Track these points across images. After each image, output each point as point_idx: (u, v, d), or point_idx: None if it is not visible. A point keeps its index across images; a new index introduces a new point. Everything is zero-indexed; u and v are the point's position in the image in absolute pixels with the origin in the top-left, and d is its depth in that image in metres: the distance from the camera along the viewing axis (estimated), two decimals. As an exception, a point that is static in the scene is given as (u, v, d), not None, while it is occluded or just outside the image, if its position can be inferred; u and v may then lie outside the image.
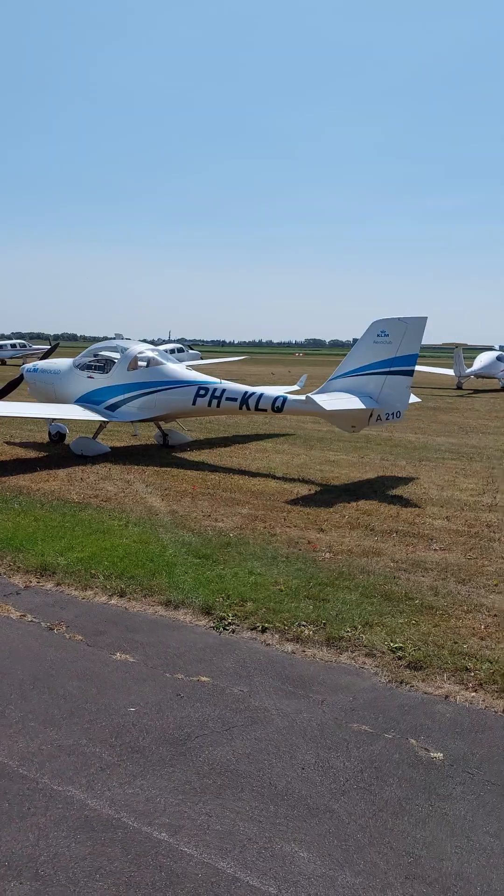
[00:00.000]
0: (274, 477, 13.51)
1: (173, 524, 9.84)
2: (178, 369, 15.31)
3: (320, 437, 19.05)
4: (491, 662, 5.87)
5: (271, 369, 61.76)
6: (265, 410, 14.21)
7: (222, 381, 15.05)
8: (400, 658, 5.99)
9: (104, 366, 15.73)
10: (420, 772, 4.55)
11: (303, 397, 13.42)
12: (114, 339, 18.97)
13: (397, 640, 6.26)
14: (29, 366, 17.67)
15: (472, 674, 5.72)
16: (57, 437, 16.44)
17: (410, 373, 13.20)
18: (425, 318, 13.03)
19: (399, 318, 13.07)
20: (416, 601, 7.18)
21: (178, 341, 54.73)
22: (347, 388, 13.48)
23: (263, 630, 6.57)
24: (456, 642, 6.24)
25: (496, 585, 7.78)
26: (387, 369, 13.17)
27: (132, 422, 15.58)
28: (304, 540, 9.31)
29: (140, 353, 15.69)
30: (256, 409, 14.25)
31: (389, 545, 9.19)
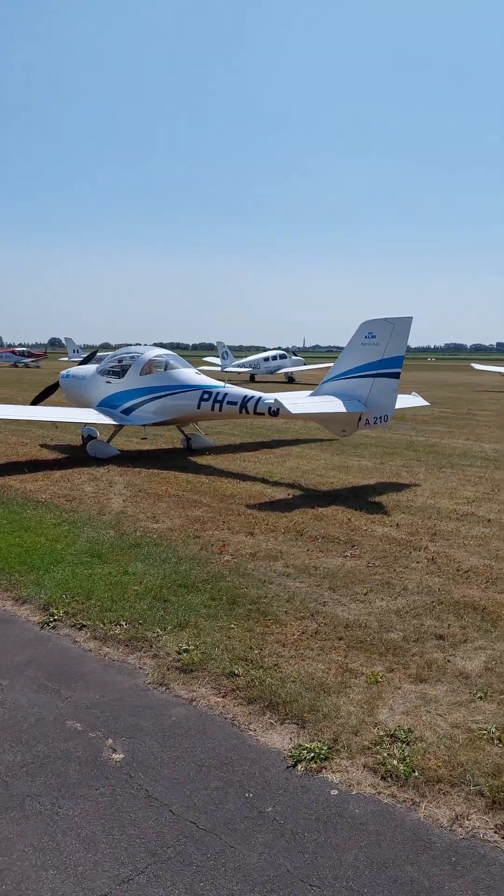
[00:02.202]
0: (265, 482, 13.45)
1: (107, 524, 10.04)
2: (187, 374, 15.51)
3: (357, 443, 18.75)
4: (263, 669, 5.70)
5: None
6: (263, 414, 14.15)
7: (226, 384, 15.12)
8: (178, 661, 5.90)
9: (121, 371, 16.17)
10: (79, 769, 4.53)
11: (271, 398, 13.31)
12: (135, 346, 19.44)
13: (192, 643, 6.18)
14: (64, 372, 18.43)
15: (235, 680, 5.56)
16: (88, 440, 17.02)
17: (397, 375, 12.79)
18: (411, 318, 12.62)
19: (385, 319, 12.72)
20: (255, 606, 7.03)
21: (283, 349, 54.93)
22: (337, 392, 13.26)
23: (80, 628, 6.65)
24: (251, 648, 6.10)
25: (365, 595, 7.47)
26: (374, 371, 12.84)
27: (144, 426, 15.89)
28: (222, 543, 9.26)
29: (154, 357, 16.01)
30: (255, 412, 14.22)
31: (299, 550, 9.00)
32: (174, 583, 7.65)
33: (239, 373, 50.51)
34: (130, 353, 16.82)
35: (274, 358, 50.43)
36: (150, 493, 12.25)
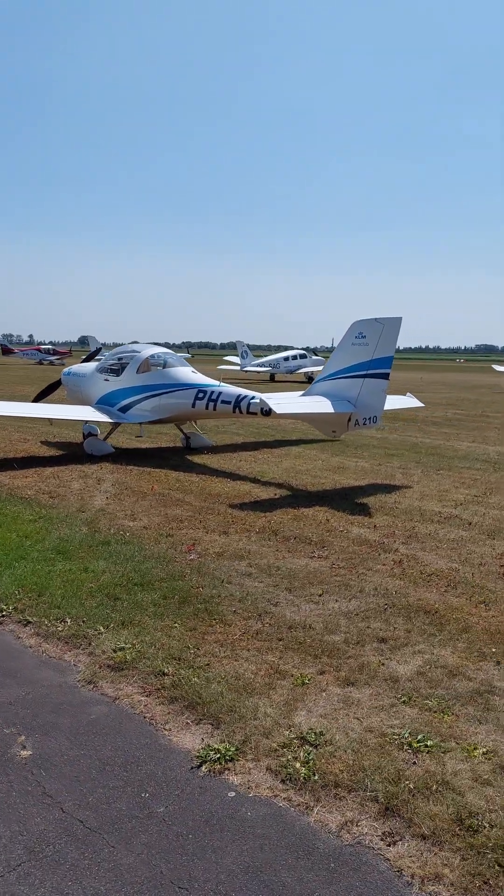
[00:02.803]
0: (256, 481, 13.43)
1: (83, 522, 10.08)
2: (183, 372, 15.52)
3: (359, 444, 18.66)
4: (193, 669, 5.69)
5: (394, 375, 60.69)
6: (256, 413, 14.11)
7: (221, 383, 15.10)
8: (112, 659, 5.90)
9: (119, 369, 16.23)
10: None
11: (257, 398, 13.27)
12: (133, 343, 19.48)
13: (130, 641, 6.18)
14: (66, 370, 18.53)
15: (162, 679, 5.55)
16: (88, 437, 17.08)
17: (386, 376, 12.70)
18: (400, 319, 12.52)
19: (375, 319, 12.63)
20: (204, 606, 7.01)
21: (304, 349, 54.76)
22: (327, 392, 13.19)
23: (26, 624, 6.69)
24: (187, 647, 6.09)
25: (320, 596, 7.42)
26: (364, 372, 12.75)
27: (140, 423, 15.93)
28: (192, 542, 9.25)
29: (151, 356, 16.04)
30: (248, 412, 14.19)
31: (268, 550, 8.97)
32: (130, 581, 7.65)
33: (259, 372, 50.45)
34: (128, 351, 16.86)
35: (294, 357, 50.31)
36: (136, 491, 12.27)
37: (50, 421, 17.40)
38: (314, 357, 50.94)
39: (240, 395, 14.36)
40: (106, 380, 16.34)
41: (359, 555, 8.90)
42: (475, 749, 4.61)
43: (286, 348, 55.68)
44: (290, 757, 4.53)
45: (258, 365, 50.69)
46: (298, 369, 49.49)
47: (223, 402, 14.55)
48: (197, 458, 15.82)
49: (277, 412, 12.54)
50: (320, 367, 50.25)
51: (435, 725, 4.90)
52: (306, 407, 12.90)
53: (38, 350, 79.88)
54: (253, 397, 13.96)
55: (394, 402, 17.10)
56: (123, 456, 15.69)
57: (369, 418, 12.81)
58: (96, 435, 16.94)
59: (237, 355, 52.97)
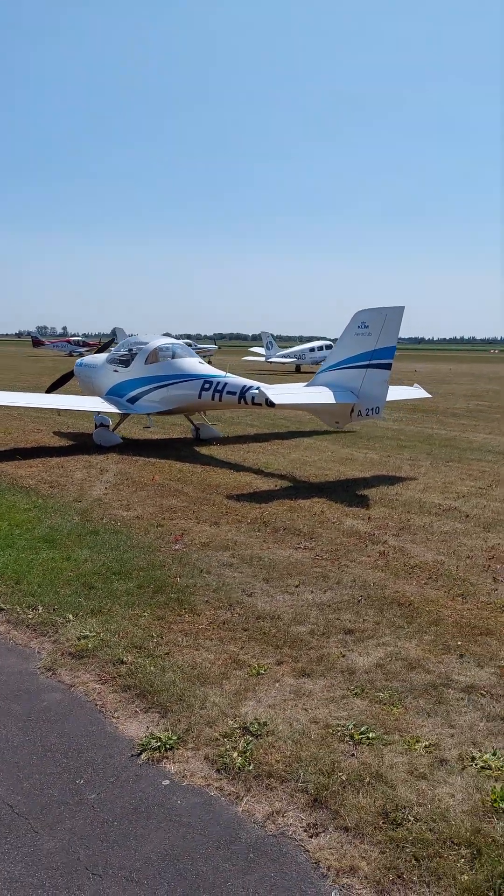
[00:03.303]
0: (259, 472, 13.42)
1: (77, 511, 10.16)
2: (190, 363, 15.53)
3: (372, 436, 18.60)
4: (152, 658, 5.72)
5: (418, 366, 60.51)
6: (260, 405, 14.08)
7: (227, 374, 15.09)
8: (74, 647, 5.94)
9: (128, 360, 16.29)
10: None
11: (256, 388, 13.23)
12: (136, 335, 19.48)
13: (95, 629, 6.22)
14: (78, 360, 18.65)
15: (119, 668, 5.59)
16: (99, 428, 17.15)
17: (389, 366, 12.60)
18: (402, 308, 12.40)
19: (378, 309, 12.52)
20: (178, 595, 7.03)
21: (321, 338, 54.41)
22: (331, 382, 13.13)
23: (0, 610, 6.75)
24: (150, 637, 6.11)
25: (296, 587, 7.41)
26: (367, 362, 12.67)
27: (148, 414, 15.97)
28: (181, 532, 9.28)
29: (159, 346, 16.07)
30: (253, 403, 14.16)
31: (255, 541, 8.96)
32: (110, 570, 7.69)
33: (284, 363, 50.32)
34: (137, 342, 16.89)
35: (320, 348, 50.04)
36: (137, 481, 12.32)
37: (58, 412, 17.52)
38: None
39: (245, 386, 14.33)
40: (115, 371, 16.42)
41: (345, 546, 8.85)
42: (417, 742, 4.56)
43: (318, 339, 55.33)
44: (228, 747, 4.52)
45: (283, 356, 50.54)
46: (324, 359, 49.14)
47: (228, 392, 14.55)
48: (204, 450, 15.83)
49: (276, 402, 12.50)
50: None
51: (382, 718, 4.85)
52: (307, 398, 12.86)
53: (69, 342, 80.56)
54: (256, 388, 13.91)
55: (400, 393, 16.96)
56: (133, 446, 15.76)
57: (372, 409, 12.71)
58: (108, 425, 16.99)
59: (263, 346, 52.84)
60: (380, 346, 12.50)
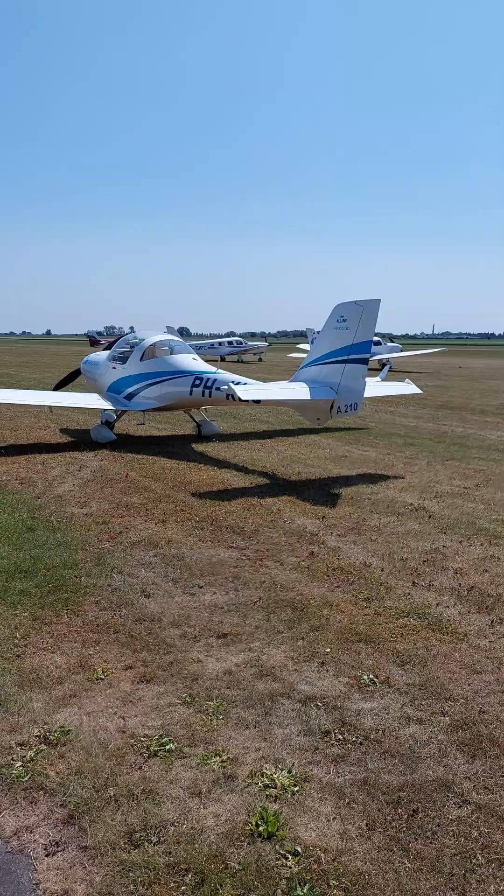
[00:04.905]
0: (244, 469, 13.20)
1: (28, 507, 10.13)
2: (183, 359, 15.35)
3: (387, 433, 18.14)
4: (0, 660, 5.56)
5: (461, 362, 59.14)
6: (248, 401, 13.83)
7: (218, 370, 14.89)
8: None
9: (125, 357, 16.25)
10: None
11: (226, 384, 12.97)
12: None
13: (-29, 628, 6.10)
14: (85, 358, 18.70)
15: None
16: (95, 426, 17.11)
17: (366, 361, 12.22)
18: (378, 301, 11.99)
19: (356, 302, 12.14)
20: (71, 595, 6.89)
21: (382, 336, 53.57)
22: (310, 378, 12.79)
23: None
24: (13, 637, 5.99)
25: (200, 588, 7.20)
26: (345, 357, 12.31)
27: (143, 411, 15.88)
28: (120, 529, 9.16)
29: (155, 342, 15.96)
30: (253, 400, 13.90)
31: (192, 539, 8.79)
32: (18, 568, 7.59)
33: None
34: (135, 338, 16.82)
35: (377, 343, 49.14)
36: (110, 478, 12.24)
37: (50, 409, 17.59)
38: (389, 343, 49.72)
39: (237, 382, 14.08)
40: (114, 367, 16.38)
41: (279, 546, 8.57)
42: (216, 756, 4.30)
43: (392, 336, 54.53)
44: (14, 756, 4.32)
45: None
46: (372, 356, 48.24)
47: (217, 388, 14.33)
48: (201, 446, 15.65)
49: (243, 398, 12.21)
50: (396, 354, 49.25)
51: (195, 729, 4.60)
52: (281, 394, 12.52)
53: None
54: (245, 384, 13.62)
55: (392, 389, 16.47)
56: (128, 443, 15.69)
57: (350, 405, 12.33)
58: (113, 422, 16.96)
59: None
60: (358, 341, 12.13)
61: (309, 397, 12.22)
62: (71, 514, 9.88)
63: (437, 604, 6.82)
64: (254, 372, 37.97)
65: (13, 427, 17.89)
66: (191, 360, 15.34)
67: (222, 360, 58.62)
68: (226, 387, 13.13)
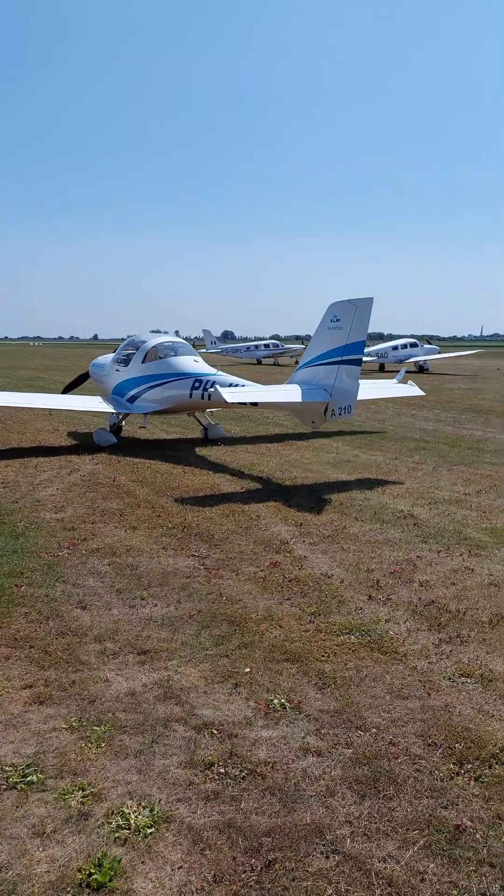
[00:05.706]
0: (238, 474, 12.86)
1: (2, 512, 9.91)
2: (183, 361, 15.04)
3: (404, 436, 17.64)
4: None
5: (501, 365, 57.96)
6: (245, 404, 13.49)
7: (218, 372, 14.56)
8: None
9: (128, 359, 16.02)
10: None
11: (216, 387, 12.61)
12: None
13: None
14: (93, 361, 18.53)
15: None
16: (115, 429, 16.96)
17: (359, 362, 11.76)
18: (371, 300, 11.53)
19: (349, 301, 11.70)
20: (5, 608, 6.59)
21: (412, 336, 52.65)
22: (306, 380, 12.38)
23: None
24: None
25: (142, 599, 6.87)
26: (339, 358, 11.87)
27: (144, 414, 15.62)
28: (87, 536, 8.88)
29: (157, 345, 15.69)
30: (239, 402, 13.58)
31: (156, 547, 8.47)
32: (-35, 575, 7.31)
33: (366, 361, 48.95)
34: (138, 340, 16.57)
35: (404, 346, 48.37)
36: (98, 482, 11.98)
37: (50, 412, 17.44)
38: (426, 346, 48.81)
39: (232, 385, 13.74)
40: (117, 370, 16.16)
41: (244, 555, 8.18)
42: (78, 790, 3.93)
43: (398, 337, 53.74)
44: None
45: (365, 354, 49.17)
46: (408, 358, 47.44)
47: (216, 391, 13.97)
48: (203, 450, 15.32)
49: (228, 401, 11.84)
50: (433, 356, 48.31)
51: (69, 758, 4.24)
52: (269, 396, 12.10)
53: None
54: (244, 387, 13.26)
55: (395, 391, 15.92)
56: (130, 447, 15.44)
57: (344, 408, 11.87)
58: (116, 425, 16.75)
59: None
60: (351, 341, 11.68)
61: (300, 400, 11.79)
62: (42, 519, 9.63)
63: (387, 619, 6.35)
64: (287, 374, 37.51)
65: (21, 430, 17.78)
66: (191, 363, 15.03)
67: (259, 362, 58.34)
68: (212, 389, 12.74)
